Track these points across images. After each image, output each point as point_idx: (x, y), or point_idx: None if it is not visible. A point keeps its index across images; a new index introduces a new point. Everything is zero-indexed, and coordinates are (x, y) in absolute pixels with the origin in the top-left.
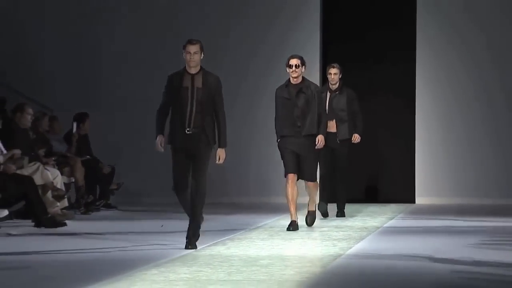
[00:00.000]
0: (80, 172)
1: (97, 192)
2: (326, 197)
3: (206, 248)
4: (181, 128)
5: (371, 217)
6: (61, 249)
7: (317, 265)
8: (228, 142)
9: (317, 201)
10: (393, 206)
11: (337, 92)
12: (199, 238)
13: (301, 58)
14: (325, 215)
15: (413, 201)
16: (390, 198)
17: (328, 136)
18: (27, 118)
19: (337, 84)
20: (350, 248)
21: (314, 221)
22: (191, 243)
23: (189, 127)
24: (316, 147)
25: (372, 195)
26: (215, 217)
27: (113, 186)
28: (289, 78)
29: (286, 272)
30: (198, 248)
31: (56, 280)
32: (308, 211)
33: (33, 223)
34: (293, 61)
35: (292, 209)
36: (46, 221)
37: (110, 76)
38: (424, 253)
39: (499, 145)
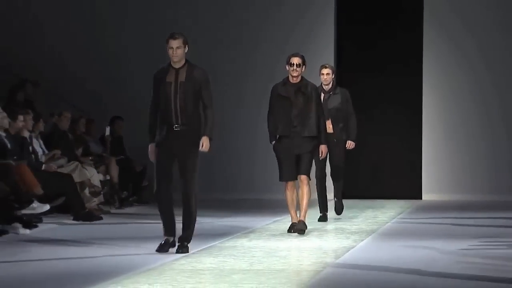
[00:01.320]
0: (114, 171)
1: (130, 189)
2: (327, 206)
3: (230, 240)
4: (168, 125)
5: (381, 212)
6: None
7: (331, 256)
8: (259, 138)
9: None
10: (401, 202)
11: (331, 93)
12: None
13: (302, 57)
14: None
15: (420, 197)
16: (398, 194)
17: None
18: (66, 121)
19: (330, 85)
20: (362, 240)
21: (304, 231)
22: (182, 247)
23: (177, 123)
24: (320, 158)
25: (381, 191)
26: (240, 212)
27: (145, 183)
28: (288, 76)
29: (303, 262)
30: (201, 249)
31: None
32: (299, 220)
33: (71, 217)
34: (295, 60)
35: (293, 212)
36: (83, 215)
37: (141, 82)
38: (432, 245)
39: (502, 143)
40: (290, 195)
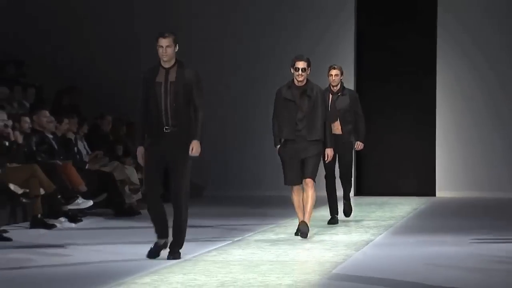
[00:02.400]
0: None
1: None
2: (337, 209)
3: (258, 234)
4: (158, 127)
5: (397, 207)
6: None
7: (352, 249)
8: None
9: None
10: (416, 199)
11: (340, 94)
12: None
13: (308, 61)
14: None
15: (433, 194)
16: (413, 191)
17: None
18: (107, 124)
19: (339, 86)
20: (380, 234)
21: (307, 234)
22: (173, 253)
23: (167, 125)
24: (326, 162)
25: (397, 188)
26: (265, 208)
27: None
28: (293, 79)
29: (325, 254)
30: (197, 254)
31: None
32: (300, 222)
33: (113, 212)
34: (300, 64)
35: (300, 214)
36: (124, 210)
37: None
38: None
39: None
40: (296, 199)
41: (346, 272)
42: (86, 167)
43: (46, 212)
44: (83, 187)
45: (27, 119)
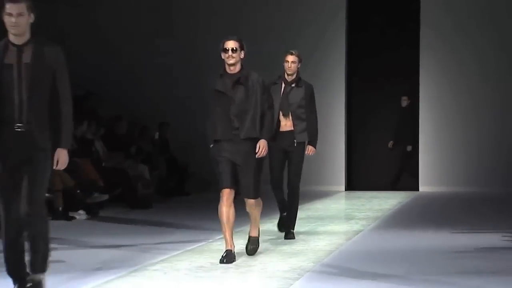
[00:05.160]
0: (162, 167)
1: (175, 181)
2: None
3: (268, 222)
4: (8, 124)
5: (384, 201)
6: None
7: (343, 238)
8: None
9: (261, 224)
10: (401, 193)
11: (294, 85)
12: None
13: (239, 41)
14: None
15: (417, 189)
16: (399, 187)
17: (282, 136)
18: (122, 126)
19: (295, 75)
20: (369, 225)
21: (256, 250)
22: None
23: (20, 121)
24: (256, 156)
25: (385, 183)
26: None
27: (187, 177)
28: (224, 66)
29: (319, 244)
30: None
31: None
32: (249, 237)
33: (127, 205)
34: (230, 44)
35: (228, 235)
36: (137, 203)
37: (185, 91)
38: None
39: (492, 142)
40: (225, 211)
41: (337, 260)
42: (103, 164)
43: (67, 205)
44: (100, 183)
45: None
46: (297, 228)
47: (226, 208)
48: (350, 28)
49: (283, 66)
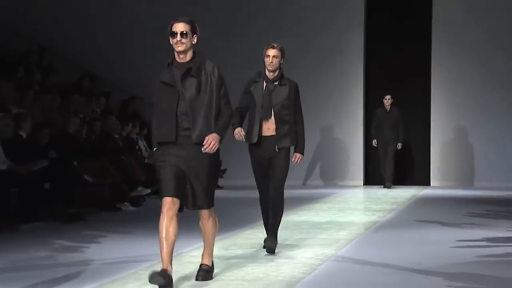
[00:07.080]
0: None
1: None
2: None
3: (284, 216)
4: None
5: (398, 194)
6: None
7: (361, 228)
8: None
9: (214, 249)
10: (414, 187)
11: (277, 83)
12: None
13: (191, 23)
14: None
15: (428, 184)
16: (411, 181)
17: (265, 141)
18: None
19: (277, 72)
20: (385, 216)
21: (208, 278)
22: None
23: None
24: (203, 150)
25: (398, 178)
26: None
27: (220, 173)
28: (174, 55)
29: (340, 233)
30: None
31: None
32: (200, 265)
33: None
34: (178, 26)
35: (165, 253)
36: None
37: None
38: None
39: (498, 140)
40: (166, 224)
41: (356, 247)
42: (146, 161)
43: (113, 198)
44: (143, 178)
45: (98, 123)
46: (319, 218)
47: (166, 221)
48: (369, 12)
49: (264, 61)
